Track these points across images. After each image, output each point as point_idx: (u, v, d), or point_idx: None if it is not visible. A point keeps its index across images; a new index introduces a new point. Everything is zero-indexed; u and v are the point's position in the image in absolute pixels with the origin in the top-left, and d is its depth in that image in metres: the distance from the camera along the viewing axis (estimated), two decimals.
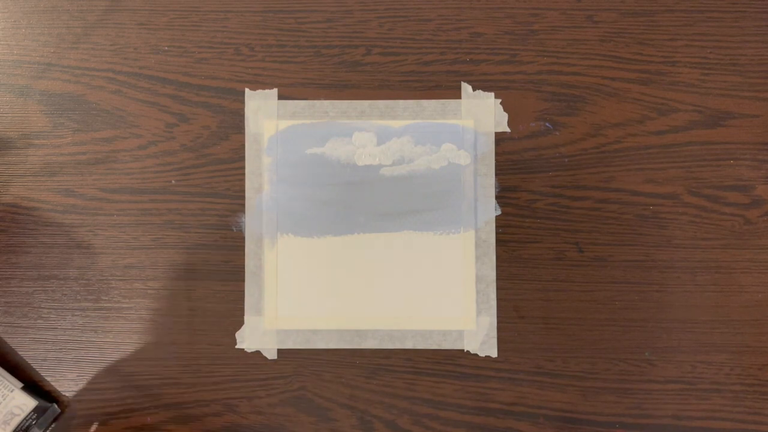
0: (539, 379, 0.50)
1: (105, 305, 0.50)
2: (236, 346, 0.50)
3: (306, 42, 0.51)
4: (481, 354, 0.50)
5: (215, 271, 0.50)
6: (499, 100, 0.51)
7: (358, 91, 0.51)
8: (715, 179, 0.50)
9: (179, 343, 0.50)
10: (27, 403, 0.48)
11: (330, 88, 0.51)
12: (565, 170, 0.50)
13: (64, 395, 0.50)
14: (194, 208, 0.51)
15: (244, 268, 0.50)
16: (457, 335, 0.50)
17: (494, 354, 0.50)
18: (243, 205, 0.50)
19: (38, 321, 0.51)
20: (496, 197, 0.50)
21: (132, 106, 0.51)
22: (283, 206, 0.50)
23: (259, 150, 0.51)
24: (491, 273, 0.50)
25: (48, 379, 0.51)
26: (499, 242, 0.50)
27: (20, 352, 0.51)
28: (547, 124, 0.51)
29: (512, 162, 0.50)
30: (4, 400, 0.48)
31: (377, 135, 0.51)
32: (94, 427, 0.50)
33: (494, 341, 0.50)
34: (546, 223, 0.50)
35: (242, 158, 0.51)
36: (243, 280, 0.50)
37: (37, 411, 0.48)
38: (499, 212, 0.50)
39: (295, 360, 0.50)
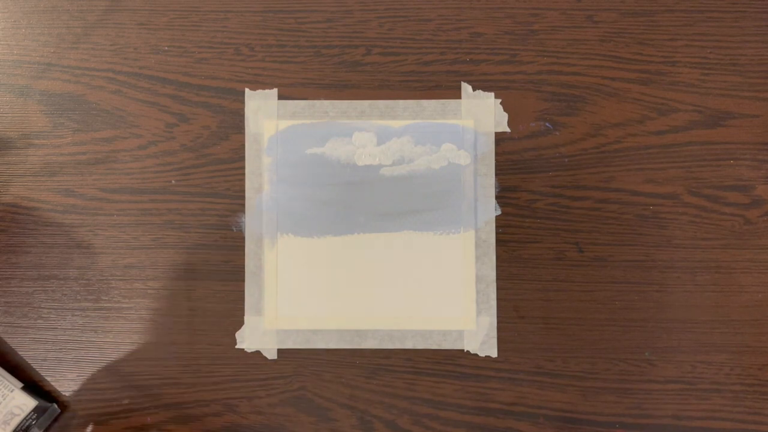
0: (539, 379, 0.50)
1: (105, 305, 0.50)
2: (236, 346, 0.50)
3: (306, 42, 0.51)
4: (481, 354, 0.50)
5: (215, 271, 0.50)
6: (499, 100, 0.51)
7: (358, 91, 0.51)
8: (715, 179, 0.50)
9: (179, 343, 0.50)
10: (27, 403, 0.48)
11: (330, 88, 0.51)
12: (565, 170, 0.50)
13: (64, 395, 0.50)
14: (194, 208, 0.51)
15: (244, 268, 0.50)
16: (457, 335, 0.50)
17: (494, 354, 0.50)
18: (243, 205, 0.50)
19: (38, 321, 0.51)
20: (496, 197, 0.50)
21: (132, 106, 0.51)
22: (283, 206, 0.50)
23: (259, 150, 0.51)
24: (491, 273, 0.50)
25: (48, 379, 0.51)
26: (499, 242, 0.50)
27: (20, 352, 0.51)
28: (547, 124, 0.51)
29: (512, 162, 0.50)
30: (4, 400, 0.48)
31: (377, 135, 0.51)
32: (89, 428, 0.50)
33: (494, 341, 0.50)
34: (546, 223, 0.50)
35: (242, 158, 0.51)
36: (243, 280, 0.50)
37: (37, 411, 0.48)
38: (499, 212, 0.50)
39: (295, 360, 0.50)
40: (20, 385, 0.49)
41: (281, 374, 0.50)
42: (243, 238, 0.50)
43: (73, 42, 0.51)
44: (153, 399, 0.50)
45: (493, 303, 0.50)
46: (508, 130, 0.51)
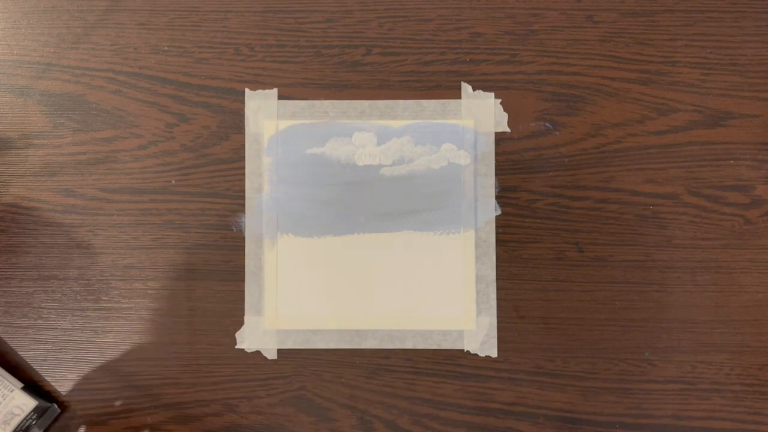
0: (539, 379, 0.50)
1: (105, 305, 0.50)
2: (236, 346, 0.50)
3: (306, 42, 0.51)
4: (481, 354, 0.50)
5: (215, 271, 0.50)
6: (499, 100, 0.51)
7: (358, 91, 0.51)
8: (715, 179, 0.50)
9: (179, 343, 0.50)
10: (27, 403, 0.48)
11: (330, 88, 0.51)
12: (565, 170, 0.50)
13: (64, 395, 0.50)
14: (194, 208, 0.51)
15: (244, 268, 0.50)
16: (457, 335, 0.50)
17: (494, 354, 0.50)
18: (243, 205, 0.50)
19: (38, 321, 0.51)
20: (496, 197, 0.50)
21: (132, 106, 0.51)
22: (283, 206, 0.50)
23: (259, 150, 0.51)
24: (491, 273, 0.50)
25: (48, 379, 0.51)
26: (499, 242, 0.50)
27: (20, 352, 0.51)
28: (547, 124, 0.51)
29: (512, 162, 0.50)
30: (4, 400, 0.48)
31: (377, 135, 0.51)
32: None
33: (494, 341, 0.50)
34: (546, 223, 0.50)
35: (242, 158, 0.51)
36: (243, 280, 0.50)
37: (37, 411, 0.48)
38: (499, 212, 0.50)
39: (295, 360, 0.50)
40: (20, 385, 0.49)
41: (281, 374, 0.50)
42: (243, 238, 0.50)
43: (73, 42, 0.51)
44: (153, 399, 0.50)
45: (493, 303, 0.50)
46: (508, 130, 0.51)
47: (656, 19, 0.51)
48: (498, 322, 0.50)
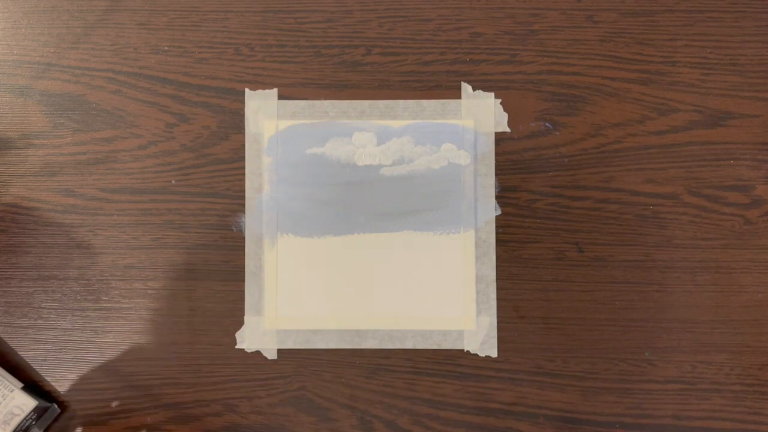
0: (539, 379, 0.50)
1: (105, 305, 0.50)
2: (236, 346, 0.50)
3: (306, 42, 0.51)
4: (481, 354, 0.50)
5: (215, 271, 0.50)
6: (499, 100, 0.51)
7: (358, 91, 0.51)
8: (715, 179, 0.50)
9: (179, 343, 0.50)
10: (27, 403, 0.48)
11: (330, 88, 0.51)
12: (565, 170, 0.50)
13: (64, 395, 0.50)
14: (194, 208, 0.51)
15: (244, 268, 0.50)
16: (457, 335, 0.50)
17: (494, 354, 0.50)
18: (243, 205, 0.50)
19: (38, 321, 0.51)
20: (496, 197, 0.50)
21: (132, 106, 0.51)
22: (283, 206, 0.50)
23: (259, 150, 0.51)
24: (491, 273, 0.50)
25: (48, 379, 0.51)
26: (499, 242, 0.50)
27: (20, 352, 0.51)
28: (547, 124, 0.51)
29: (512, 162, 0.50)
30: (4, 400, 0.48)
31: (377, 135, 0.51)
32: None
33: (494, 341, 0.50)
34: (546, 223, 0.50)
35: (242, 158, 0.51)
36: (243, 280, 0.50)
37: (37, 411, 0.48)
38: (499, 212, 0.50)
39: (295, 360, 0.50)
40: (20, 385, 0.49)
41: (281, 374, 0.50)
42: (243, 238, 0.50)
43: (73, 42, 0.51)
44: (153, 399, 0.50)
45: (493, 303, 0.50)
46: (508, 130, 0.51)
47: (656, 19, 0.51)
48: (498, 322, 0.50)
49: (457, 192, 0.50)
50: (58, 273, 0.51)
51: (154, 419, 0.50)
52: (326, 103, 0.51)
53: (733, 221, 0.50)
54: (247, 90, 0.51)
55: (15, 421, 0.48)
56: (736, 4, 0.51)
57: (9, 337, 0.51)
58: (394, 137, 0.50)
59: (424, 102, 0.51)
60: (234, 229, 0.51)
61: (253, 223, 0.50)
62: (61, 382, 0.50)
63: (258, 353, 0.50)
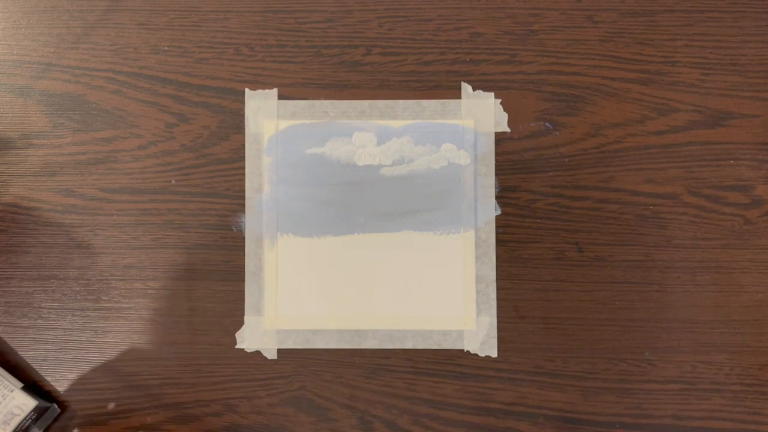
0: (539, 379, 0.50)
1: (105, 305, 0.50)
2: (236, 346, 0.50)
3: (306, 42, 0.51)
4: (481, 354, 0.50)
5: (215, 271, 0.50)
6: (499, 100, 0.51)
7: (358, 91, 0.51)
8: (715, 179, 0.50)
9: (179, 343, 0.50)
10: (27, 403, 0.48)
11: (330, 88, 0.51)
12: (565, 170, 0.50)
13: (64, 395, 0.50)
14: (194, 208, 0.51)
15: (244, 268, 0.50)
16: (457, 335, 0.50)
17: (494, 354, 0.50)
18: (243, 205, 0.50)
19: (38, 321, 0.51)
20: (496, 197, 0.50)
21: (132, 106, 0.51)
22: (283, 206, 0.50)
23: (259, 150, 0.51)
24: (491, 273, 0.50)
25: (48, 379, 0.51)
26: (499, 242, 0.50)
27: (20, 352, 0.51)
28: (547, 124, 0.51)
29: (512, 162, 0.50)
30: (4, 400, 0.48)
31: (377, 135, 0.51)
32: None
33: (494, 341, 0.50)
34: (546, 223, 0.50)
35: (242, 158, 0.51)
36: (243, 280, 0.50)
37: (37, 411, 0.48)
38: (499, 212, 0.50)
39: (295, 360, 0.50)
40: (20, 385, 0.49)
41: (281, 374, 0.50)
42: (243, 238, 0.50)
43: (73, 42, 0.51)
44: (153, 399, 0.50)
45: (493, 303, 0.50)
46: (508, 130, 0.51)
47: (656, 19, 0.51)
48: (498, 322, 0.50)
49: (457, 192, 0.50)
50: (58, 273, 0.51)
51: (154, 419, 0.50)
52: (326, 103, 0.51)
53: (733, 221, 0.50)
54: (247, 90, 0.51)
55: (15, 421, 0.48)
56: (736, 4, 0.51)
57: (9, 337, 0.51)
58: (394, 137, 0.50)
59: (424, 102, 0.51)
60: (234, 229, 0.51)
61: (253, 223, 0.50)
62: (61, 382, 0.50)
63: (258, 353, 0.50)
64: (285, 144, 0.51)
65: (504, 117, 0.50)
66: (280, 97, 0.51)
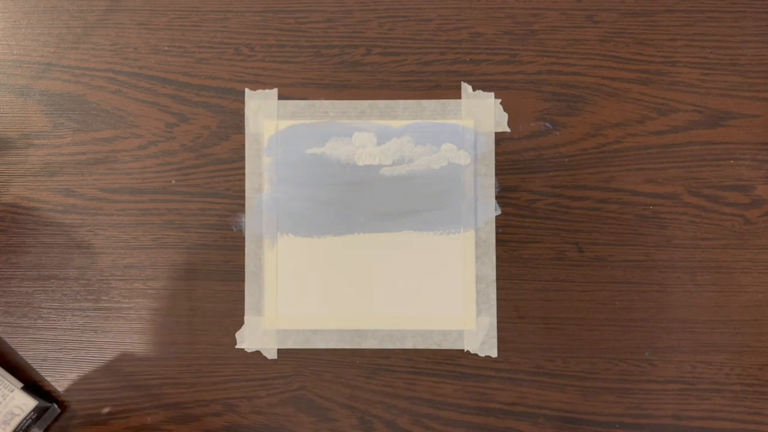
0: (539, 379, 0.50)
1: (105, 305, 0.50)
2: (236, 346, 0.50)
3: (306, 42, 0.51)
4: (481, 354, 0.50)
5: (215, 271, 0.50)
6: (499, 100, 0.51)
7: (358, 91, 0.51)
8: (715, 179, 0.50)
9: (179, 343, 0.50)
10: (27, 403, 0.48)
11: (330, 88, 0.51)
12: (565, 170, 0.50)
13: (64, 395, 0.50)
14: (194, 208, 0.51)
15: (244, 268, 0.50)
16: (457, 335, 0.50)
17: (494, 354, 0.50)
18: (243, 205, 0.50)
19: (38, 321, 0.51)
20: (496, 197, 0.50)
21: (132, 106, 0.51)
22: (283, 206, 0.50)
23: (259, 150, 0.51)
24: (491, 273, 0.50)
25: (48, 379, 0.51)
26: (499, 242, 0.50)
27: (20, 352, 0.51)
28: (547, 124, 0.51)
29: (512, 162, 0.50)
30: (4, 400, 0.48)
31: (377, 135, 0.51)
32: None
33: (494, 341, 0.50)
34: (546, 223, 0.50)
35: (242, 158, 0.51)
36: (243, 280, 0.50)
37: (37, 411, 0.48)
38: (499, 212, 0.50)
39: (295, 360, 0.50)
40: (20, 385, 0.49)
41: (281, 374, 0.50)
42: (243, 238, 0.50)
43: (73, 42, 0.51)
44: (153, 399, 0.50)
45: (493, 303, 0.50)
46: (508, 130, 0.51)
47: (656, 19, 0.51)
48: (498, 322, 0.50)
49: (457, 192, 0.50)
50: (58, 273, 0.51)
51: (154, 419, 0.50)
52: (326, 103, 0.51)
53: (733, 221, 0.50)
54: (247, 90, 0.51)
55: (15, 421, 0.48)
56: (736, 4, 0.51)
57: (9, 337, 0.51)
58: (394, 137, 0.50)
59: (424, 102, 0.51)
60: (234, 229, 0.51)
61: (253, 223, 0.50)
62: (61, 382, 0.50)
63: (258, 353, 0.50)
64: (285, 144, 0.51)
65: (504, 117, 0.51)
66: (280, 97, 0.51)
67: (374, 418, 0.50)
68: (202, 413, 0.50)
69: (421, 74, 0.51)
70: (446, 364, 0.50)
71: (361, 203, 0.50)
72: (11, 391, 0.48)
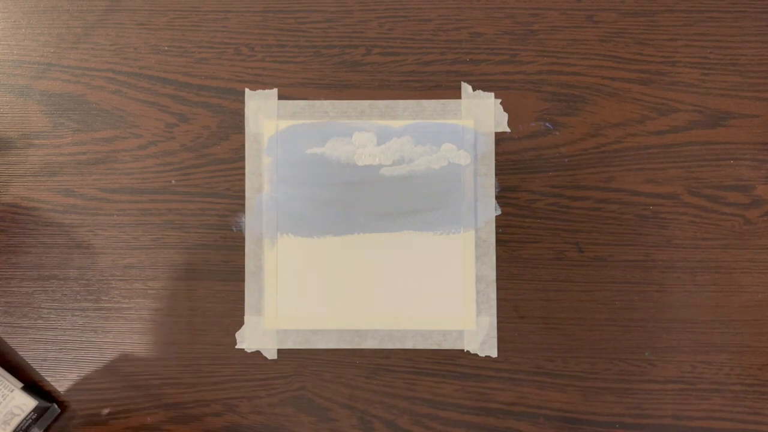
0: (539, 379, 0.50)
1: (105, 305, 0.50)
2: (236, 346, 0.50)
3: (306, 42, 0.51)
4: (481, 354, 0.50)
5: (215, 271, 0.50)
6: (499, 100, 0.51)
7: (358, 91, 0.51)
8: (715, 179, 0.50)
9: (179, 343, 0.50)
10: (27, 403, 0.48)
11: (330, 88, 0.51)
12: (565, 170, 0.50)
13: (64, 395, 0.50)
14: (194, 208, 0.51)
15: (244, 268, 0.50)
16: (457, 335, 0.50)
17: (494, 354, 0.50)
18: (243, 205, 0.50)
19: (38, 321, 0.51)
20: (496, 197, 0.50)
21: (132, 106, 0.51)
22: (283, 206, 0.50)
23: (259, 150, 0.51)
24: (491, 273, 0.50)
25: (48, 379, 0.51)
26: (499, 242, 0.50)
27: (20, 352, 0.51)
28: (547, 124, 0.51)
29: (512, 162, 0.50)
30: (4, 400, 0.48)
31: (377, 135, 0.51)
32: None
33: (494, 341, 0.50)
34: (546, 223, 0.50)
35: (242, 158, 0.51)
36: (243, 280, 0.50)
37: (37, 411, 0.48)
38: (499, 212, 0.50)
39: (295, 360, 0.50)
40: (20, 385, 0.49)
41: (281, 374, 0.50)
42: (243, 238, 0.50)
43: (73, 42, 0.51)
44: (153, 399, 0.50)
45: (493, 303, 0.50)
46: (508, 130, 0.51)
47: (656, 19, 0.51)
48: (498, 322, 0.50)
49: (457, 192, 0.50)
50: (58, 273, 0.51)
51: (154, 419, 0.50)
52: (326, 103, 0.51)
53: (733, 221, 0.50)
54: (247, 90, 0.51)
55: (15, 421, 0.48)
56: (736, 4, 0.51)
57: (9, 337, 0.51)
58: (394, 137, 0.50)
59: (424, 102, 0.51)
60: (234, 229, 0.51)
61: (253, 223, 0.50)
62: (61, 382, 0.50)
63: (258, 353, 0.50)
64: (285, 144, 0.51)
65: (504, 117, 0.51)
66: (280, 97, 0.51)
67: (374, 418, 0.50)
68: (202, 413, 0.50)
69: (421, 74, 0.51)
70: (446, 364, 0.50)
71: (361, 203, 0.50)
72: (11, 391, 0.48)
